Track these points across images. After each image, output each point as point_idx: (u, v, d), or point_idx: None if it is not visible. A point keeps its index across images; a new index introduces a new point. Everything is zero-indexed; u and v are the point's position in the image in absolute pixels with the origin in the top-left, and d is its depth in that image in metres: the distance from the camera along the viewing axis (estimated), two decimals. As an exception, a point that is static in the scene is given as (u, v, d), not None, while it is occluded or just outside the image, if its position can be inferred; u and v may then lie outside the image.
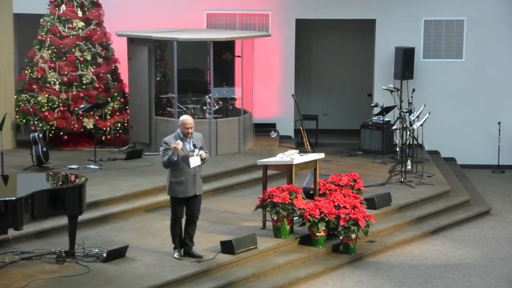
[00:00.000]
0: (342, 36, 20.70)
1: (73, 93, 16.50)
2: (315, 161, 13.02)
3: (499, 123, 18.72)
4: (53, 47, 16.61)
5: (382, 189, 14.91)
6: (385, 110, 17.56)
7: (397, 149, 17.06)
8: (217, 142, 16.28)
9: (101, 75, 16.74)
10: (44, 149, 14.90)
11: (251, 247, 11.57)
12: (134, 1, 18.63)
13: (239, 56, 16.89)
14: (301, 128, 17.51)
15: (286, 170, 12.66)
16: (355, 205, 12.30)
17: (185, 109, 16.61)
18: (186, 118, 10.94)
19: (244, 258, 11.40)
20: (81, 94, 16.47)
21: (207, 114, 16.52)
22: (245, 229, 12.41)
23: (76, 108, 16.39)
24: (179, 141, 10.77)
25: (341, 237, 12.22)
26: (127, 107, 17.04)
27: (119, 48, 17.22)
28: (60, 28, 16.66)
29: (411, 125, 15.99)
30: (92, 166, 15.08)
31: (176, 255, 11.14)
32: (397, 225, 13.62)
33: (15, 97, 16.59)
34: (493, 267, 12.32)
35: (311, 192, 13.31)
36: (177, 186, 10.94)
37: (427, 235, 13.64)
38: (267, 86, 18.84)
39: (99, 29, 16.94)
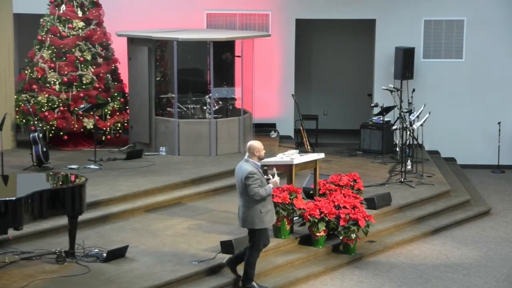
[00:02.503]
0: (342, 36, 20.70)
1: (73, 93, 16.50)
2: (315, 161, 13.02)
3: (499, 123, 18.71)
4: (53, 47, 16.61)
5: (382, 189, 14.91)
6: (385, 110, 17.55)
7: (397, 149, 17.06)
8: (217, 142, 16.28)
9: (101, 75, 16.74)
10: (44, 149, 14.90)
11: (251, 247, 11.56)
12: (134, 1, 18.63)
13: (239, 56, 16.89)
14: (301, 128, 17.51)
15: (286, 170, 12.65)
16: (355, 205, 12.30)
17: (185, 109, 16.62)
18: (257, 143, 10.58)
19: (244, 258, 11.40)
20: (81, 94, 16.47)
21: (207, 114, 16.52)
22: (245, 229, 12.38)
23: (76, 108, 16.39)
24: (277, 177, 10.72)
25: (341, 237, 12.22)
26: (127, 107, 17.04)
27: (119, 48, 17.22)
28: (60, 28, 16.66)
29: (411, 125, 15.99)
30: (92, 166, 15.08)
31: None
32: (397, 225, 13.62)
33: (15, 97, 16.59)
34: (493, 267, 12.32)
35: (311, 192, 13.31)
36: (267, 216, 10.55)
37: (427, 235, 13.64)
38: (267, 86, 18.83)
39: (99, 29, 16.94)
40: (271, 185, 10.58)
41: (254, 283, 10.70)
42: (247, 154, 10.56)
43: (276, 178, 10.75)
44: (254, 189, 10.35)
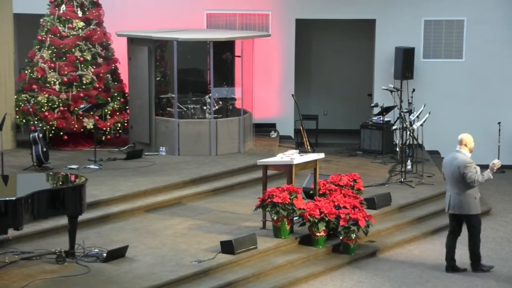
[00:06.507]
0: (342, 36, 20.70)
1: (73, 93, 16.50)
2: (315, 161, 13.02)
3: (499, 123, 18.71)
4: (53, 47, 16.62)
5: (382, 189, 14.91)
6: (385, 110, 17.56)
7: (397, 149, 17.06)
8: (217, 142, 16.29)
9: (101, 75, 16.75)
10: (44, 149, 14.90)
11: (251, 247, 11.56)
12: (134, 1, 18.64)
13: (239, 56, 16.89)
14: (301, 128, 17.52)
15: (286, 170, 12.66)
16: (355, 205, 12.30)
17: (185, 109, 16.62)
18: (469, 136, 11.63)
19: (244, 258, 11.40)
20: (81, 94, 16.47)
21: (207, 114, 16.53)
22: (245, 229, 12.41)
23: (76, 108, 16.39)
24: (496, 161, 11.64)
25: (341, 237, 12.21)
26: (127, 107, 17.04)
27: (119, 48, 17.23)
28: (60, 28, 16.67)
29: (411, 125, 15.99)
30: (92, 166, 15.08)
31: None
32: (397, 225, 13.62)
33: (15, 97, 16.59)
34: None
35: (311, 192, 13.31)
36: (479, 202, 11.70)
37: (427, 235, 13.63)
38: (267, 86, 18.84)
39: (99, 29, 16.94)
40: (489, 171, 11.50)
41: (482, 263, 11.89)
42: (458, 146, 11.56)
43: (495, 162, 11.53)
44: (472, 176, 11.36)
